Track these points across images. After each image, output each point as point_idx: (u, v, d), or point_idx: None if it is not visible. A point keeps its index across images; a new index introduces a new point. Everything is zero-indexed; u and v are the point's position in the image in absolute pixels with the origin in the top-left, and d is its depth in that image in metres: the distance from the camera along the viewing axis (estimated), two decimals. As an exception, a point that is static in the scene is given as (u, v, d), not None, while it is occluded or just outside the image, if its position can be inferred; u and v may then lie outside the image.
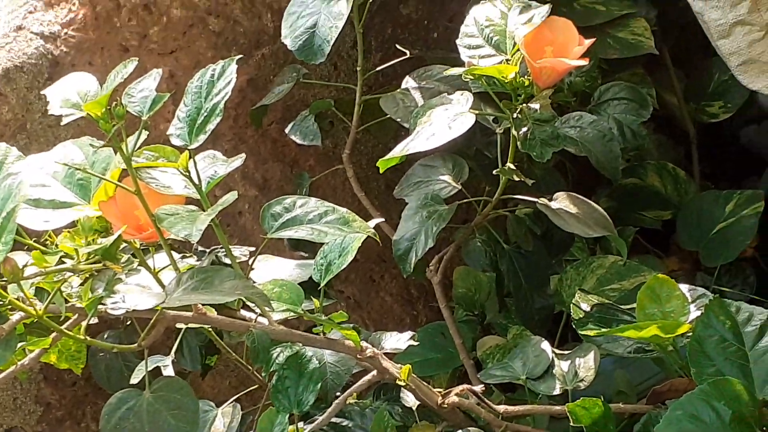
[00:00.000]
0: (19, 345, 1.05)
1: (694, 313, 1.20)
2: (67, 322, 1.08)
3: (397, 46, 1.63)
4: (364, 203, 1.58)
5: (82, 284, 1.08)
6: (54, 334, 1.07)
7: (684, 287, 1.23)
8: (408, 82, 1.54)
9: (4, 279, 1.00)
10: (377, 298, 1.79)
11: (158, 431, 1.04)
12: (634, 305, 1.21)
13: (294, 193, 1.63)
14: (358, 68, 1.58)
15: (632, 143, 1.62)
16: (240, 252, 1.31)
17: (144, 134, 1.09)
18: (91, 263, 1.05)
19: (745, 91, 1.65)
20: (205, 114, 1.11)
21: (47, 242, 1.13)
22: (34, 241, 1.10)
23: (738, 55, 1.53)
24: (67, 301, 1.06)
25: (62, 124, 1.05)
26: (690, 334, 1.15)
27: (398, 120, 1.50)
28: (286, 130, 1.63)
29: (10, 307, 1.01)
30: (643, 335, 1.18)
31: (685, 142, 1.89)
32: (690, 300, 1.23)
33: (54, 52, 1.48)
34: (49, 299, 1.02)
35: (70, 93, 1.08)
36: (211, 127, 1.10)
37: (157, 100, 1.07)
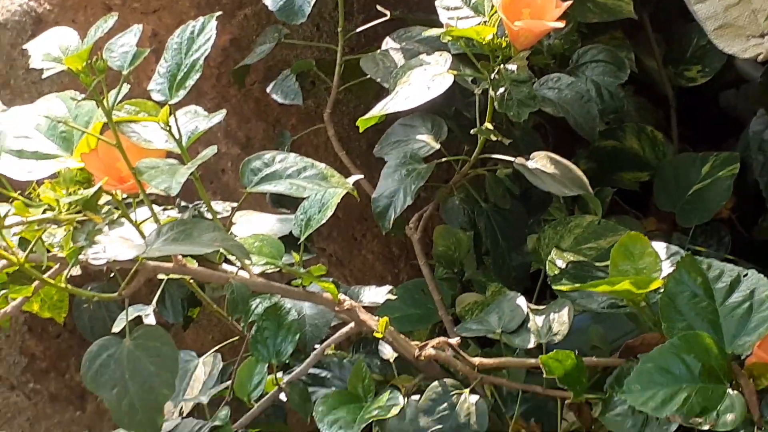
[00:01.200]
0: (1, 293, 1.07)
1: (667, 270, 1.22)
2: (49, 272, 1.10)
3: (378, 8, 1.64)
4: (344, 161, 1.60)
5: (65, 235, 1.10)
6: (36, 283, 1.09)
7: (658, 245, 1.25)
8: (388, 43, 1.55)
9: (-14, 228, 1.02)
10: (359, 255, 1.81)
11: (138, 378, 1.06)
12: (608, 263, 1.24)
13: (275, 151, 1.65)
14: (340, 29, 1.59)
15: (610, 105, 1.64)
16: (222, 207, 1.33)
17: (125, 88, 1.11)
18: (73, 214, 1.07)
19: (723, 56, 1.66)
20: (185, 69, 1.13)
21: (31, 195, 1.15)
22: (18, 194, 1.12)
23: (714, 20, 1.54)
24: (49, 252, 1.08)
25: (43, 77, 1.07)
26: (662, 290, 1.17)
27: (378, 80, 1.51)
28: (268, 89, 1.65)
29: (-8, 255, 1.03)
30: (615, 290, 1.20)
31: (664, 106, 1.90)
32: (663, 257, 1.25)
33: (37, 9, 1.49)
34: (30, 248, 1.04)
35: (52, 47, 1.10)
36: (191, 82, 1.12)
37: (138, 55, 1.09)
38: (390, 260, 1.83)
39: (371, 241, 1.81)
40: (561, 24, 1.33)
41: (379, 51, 1.55)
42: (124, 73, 1.09)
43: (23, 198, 1.13)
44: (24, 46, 1.13)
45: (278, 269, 1.22)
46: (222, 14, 1.59)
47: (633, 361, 1.24)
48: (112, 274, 1.38)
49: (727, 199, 1.68)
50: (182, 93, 1.12)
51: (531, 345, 1.30)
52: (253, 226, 1.35)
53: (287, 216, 1.36)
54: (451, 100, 1.51)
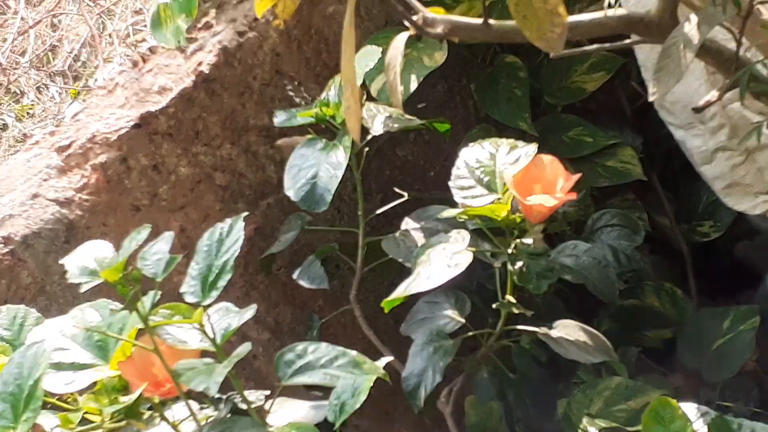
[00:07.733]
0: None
1: (700, 430, 1.24)
2: (94, 481, 1.12)
3: (396, 189, 1.69)
4: (373, 341, 1.62)
5: (104, 441, 1.13)
6: (82, 494, 1.11)
7: (687, 406, 1.27)
8: (407, 223, 1.59)
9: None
10: (392, 430, 1.81)
11: None
12: (640, 427, 1.25)
13: (305, 335, 1.68)
14: (360, 213, 1.63)
15: (627, 267, 1.68)
16: (256, 396, 1.35)
17: (158, 293, 1.14)
18: (116, 422, 1.10)
19: (734, 211, 1.70)
20: (217, 271, 1.16)
21: (68, 399, 1.18)
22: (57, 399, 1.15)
23: (722, 179, 1.59)
24: (93, 461, 1.11)
25: (81, 291, 1.11)
26: (697, 453, 1.19)
27: (400, 260, 1.55)
28: (294, 276, 1.68)
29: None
30: (649, 458, 1.21)
31: (680, 261, 1.93)
32: (694, 418, 1.26)
33: (69, 216, 1.54)
34: (77, 461, 1.06)
35: (88, 260, 1.14)
36: (222, 283, 1.15)
37: (171, 263, 1.13)
38: (423, 432, 1.83)
39: (403, 415, 1.82)
40: (572, 197, 1.37)
41: (399, 232, 1.59)
42: (158, 280, 1.13)
43: (65, 405, 1.16)
44: (61, 261, 1.17)
45: (316, 457, 1.24)
46: (246, 204, 1.65)
47: None
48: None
49: (750, 351, 1.69)
50: (215, 294, 1.16)
51: None
52: (288, 413, 1.36)
53: (321, 402, 1.38)
54: (472, 273, 1.53)
